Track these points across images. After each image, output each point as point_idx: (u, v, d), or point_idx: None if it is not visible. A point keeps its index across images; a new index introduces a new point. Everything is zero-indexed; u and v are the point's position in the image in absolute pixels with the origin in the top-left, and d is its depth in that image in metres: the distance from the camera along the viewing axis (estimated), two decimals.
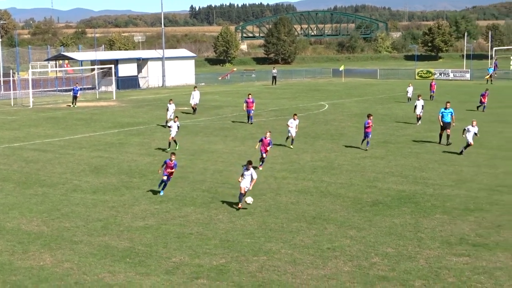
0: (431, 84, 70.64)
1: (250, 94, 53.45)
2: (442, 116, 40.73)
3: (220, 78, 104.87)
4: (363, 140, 39.63)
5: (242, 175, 26.48)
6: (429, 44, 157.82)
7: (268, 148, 33.79)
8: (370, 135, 39.32)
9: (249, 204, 25.80)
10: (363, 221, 24.68)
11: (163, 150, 39.47)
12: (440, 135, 41.34)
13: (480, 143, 40.14)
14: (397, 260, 20.35)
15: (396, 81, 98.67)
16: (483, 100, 57.98)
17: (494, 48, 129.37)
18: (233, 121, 53.29)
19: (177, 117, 41.60)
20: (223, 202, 27.50)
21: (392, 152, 38.45)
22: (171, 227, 24.26)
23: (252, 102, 51.61)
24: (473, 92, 76.80)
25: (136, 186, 30.76)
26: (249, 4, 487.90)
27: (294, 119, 40.03)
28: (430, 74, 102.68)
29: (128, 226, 24.36)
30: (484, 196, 28.22)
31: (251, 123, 51.10)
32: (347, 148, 40.14)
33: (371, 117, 39.51)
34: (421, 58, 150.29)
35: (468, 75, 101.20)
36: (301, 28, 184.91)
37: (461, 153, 37.25)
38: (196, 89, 59.55)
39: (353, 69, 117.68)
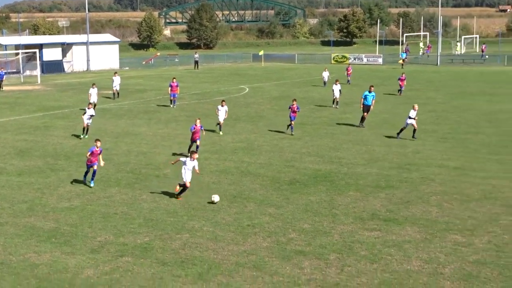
0: (347, 69, 71.11)
1: (174, 78, 53.14)
2: (365, 99, 41.17)
3: (144, 63, 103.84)
4: (288, 125, 38.76)
5: (184, 166, 24.63)
6: (344, 30, 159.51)
7: (201, 135, 32.53)
8: (294, 119, 38.41)
9: (215, 202, 24.00)
10: (281, 199, 24.99)
11: (77, 136, 38.23)
12: (363, 118, 41.45)
13: (391, 124, 40.98)
14: (313, 236, 20.71)
15: (313, 66, 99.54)
16: (401, 84, 58.78)
17: (405, 34, 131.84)
18: (157, 105, 52.96)
19: (90, 104, 39.58)
20: (146, 183, 27.44)
21: (309, 133, 38.91)
22: (96, 207, 24.09)
23: (176, 86, 51.23)
24: (385, 76, 78.30)
25: (61, 168, 30.35)
26: None
27: (222, 105, 39.20)
28: (345, 59, 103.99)
29: (54, 207, 24.08)
30: (394, 174, 28.88)
31: (174, 107, 50.85)
32: (266, 130, 40.43)
33: (295, 101, 38.90)
34: (336, 43, 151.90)
35: (380, 60, 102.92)
36: (223, 14, 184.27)
37: (397, 136, 36.98)
38: (116, 74, 58.38)
39: (273, 54, 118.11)
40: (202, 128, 32.77)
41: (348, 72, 69.91)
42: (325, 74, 67.24)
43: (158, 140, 37.66)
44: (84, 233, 21.17)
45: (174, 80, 51.65)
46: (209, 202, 24.15)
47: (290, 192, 25.91)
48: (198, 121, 32.53)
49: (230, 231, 21.26)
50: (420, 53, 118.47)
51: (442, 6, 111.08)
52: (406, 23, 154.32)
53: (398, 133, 37.04)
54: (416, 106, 37.06)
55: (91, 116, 37.97)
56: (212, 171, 29.76)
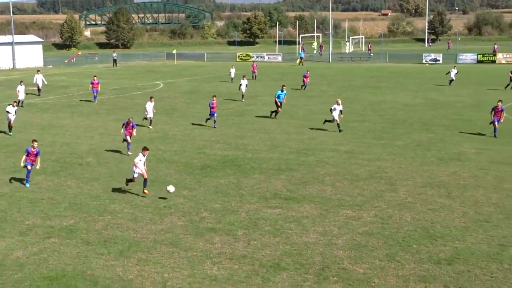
0: (253, 66, 71.16)
1: (95, 76, 52.10)
2: (278, 97, 40.96)
3: (66, 61, 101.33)
4: (208, 119, 37.99)
5: (139, 161, 22.87)
6: (248, 32, 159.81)
7: (133, 132, 30.16)
8: (216, 114, 37.57)
9: (170, 192, 22.56)
10: (194, 182, 24.93)
11: (5, 133, 36.50)
12: (276, 112, 41.06)
13: (289, 114, 41.45)
14: (222, 214, 20.76)
15: (220, 63, 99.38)
16: (305, 80, 58.99)
17: (301, 35, 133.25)
18: (80, 100, 51.83)
19: (15, 102, 37.41)
20: (70, 170, 26.85)
21: (218, 123, 38.88)
22: (24, 194, 23.44)
23: (98, 83, 50.23)
24: (284, 72, 79.00)
25: None
26: None
27: (150, 101, 37.75)
28: (249, 57, 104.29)
29: None
30: (293, 158, 29.23)
31: (96, 102, 49.84)
32: (179, 121, 40.21)
33: (215, 97, 38.05)
34: (241, 43, 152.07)
35: (280, 58, 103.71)
36: (138, 17, 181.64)
37: (339, 131, 35.93)
38: (39, 72, 56.45)
39: (184, 53, 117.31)
40: (134, 126, 30.23)
41: (254, 69, 70.09)
42: (232, 71, 67.19)
43: (81, 131, 36.90)
44: (13, 217, 20.59)
45: (95, 78, 50.67)
46: (160, 197, 22.65)
47: (202, 176, 25.89)
48: (131, 118, 30.49)
49: (148, 212, 21.08)
50: (314, 52, 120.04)
51: (332, 11, 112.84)
52: (301, 25, 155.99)
53: (325, 121, 36.83)
54: (340, 101, 36.68)
55: (9, 113, 35.56)
56: (131, 158, 29.34)
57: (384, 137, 34.05)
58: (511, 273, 15.80)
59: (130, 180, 23.51)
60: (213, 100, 37.57)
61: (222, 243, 18.14)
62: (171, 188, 22.66)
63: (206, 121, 38.31)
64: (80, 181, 25.22)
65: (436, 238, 18.31)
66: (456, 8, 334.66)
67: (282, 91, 41.42)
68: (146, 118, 37.73)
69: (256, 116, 41.97)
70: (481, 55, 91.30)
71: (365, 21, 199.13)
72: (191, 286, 15.29)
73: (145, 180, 23.04)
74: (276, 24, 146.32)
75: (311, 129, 36.58)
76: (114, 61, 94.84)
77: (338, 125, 35.75)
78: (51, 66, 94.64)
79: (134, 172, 23.12)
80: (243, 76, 51.22)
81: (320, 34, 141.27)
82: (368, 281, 15.45)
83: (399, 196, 22.70)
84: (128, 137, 30.17)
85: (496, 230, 18.99)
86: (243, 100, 49.61)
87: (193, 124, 38.94)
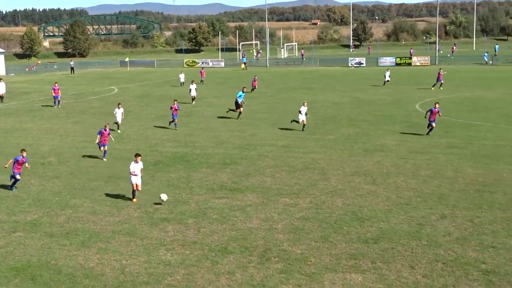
0: (201, 71, 70.24)
1: (56, 82, 50.94)
2: (239, 97, 40.23)
3: (27, 69, 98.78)
4: (171, 122, 36.62)
5: (133, 170, 21.09)
6: (193, 40, 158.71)
7: (109, 138, 28.48)
8: (176, 117, 36.20)
9: (163, 200, 20.57)
10: (147, 177, 24.62)
11: None
12: (238, 112, 40.18)
13: (232, 114, 41.34)
14: (174, 205, 20.60)
15: (169, 69, 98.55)
16: (254, 84, 58.25)
17: (241, 43, 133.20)
18: (41, 105, 50.59)
19: None
20: (34, 170, 26.18)
21: (166, 123, 38.54)
22: None
23: (58, 89, 49.05)
24: (227, 77, 78.84)
25: None
26: (49, 8, 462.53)
27: (118, 108, 36.11)
28: (195, 63, 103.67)
29: None
30: (236, 153, 29.21)
31: (59, 107, 48.63)
32: (133, 122, 39.67)
33: (176, 101, 36.86)
34: (187, 51, 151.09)
35: (222, 64, 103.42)
36: (93, 28, 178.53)
37: (292, 122, 35.45)
38: (1, 80, 54.58)
39: (136, 60, 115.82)
40: (109, 133, 28.52)
41: (202, 74, 69.32)
42: (182, 76, 66.47)
43: (42, 133, 36.06)
44: None
45: (56, 84, 49.53)
46: (156, 203, 20.70)
47: (155, 171, 25.62)
48: (107, 125, 28.70)
49: (106, 206, 20.75)
50: (254, 58, 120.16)
51: (268, 21, 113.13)
52: (241, 34, 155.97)
53: (303, 129, 34.92)
54: (306, 103, 35.72)
55: None
56: (90, 156, 28.88)
57: (317, 132, 34.34)
58: (429, 249, 16.15)
59: (134, 191, 21.23)
60: (174, 104, 36.51)
61: (174, 231, 17.99)
62: (164, 197, 20.60)
63: (169, 124, 36.92)
64: (42, 179, 24.65)
65: (363, 220, 18.57)
66: (376, 18, 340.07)
67: (243, 92, 41.14)
68: (116, 123, 35.95)
69: (202, 116, 41.76)
70: (399, 58, 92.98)
71: (298, 29, 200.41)
72: (147, 271, 15.13)
73: (134, 191, 21.17)
74: (218, 33, 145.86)
75: (250, 125, 36.57)
76: (72, 69, 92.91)
77: (304, 125, 34.81)
78: (13, 74, 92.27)
79: (132, 181, 21.08)
80: (192, 81, 50.77)
81: (258, 42, 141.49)
82: (305, 260, 15.57)
83: (331, 184, 22.93)
84: (105, 145, 28.07)
85: (415, 211, 19.39)
86: (193, 103, 48.97)
87: (146, 124, 38.47)
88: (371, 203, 20.42)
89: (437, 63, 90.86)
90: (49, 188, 23.26)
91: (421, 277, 14.41)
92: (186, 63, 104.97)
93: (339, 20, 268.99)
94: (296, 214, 19.39)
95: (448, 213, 19.05)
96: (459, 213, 19.09)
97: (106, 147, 28.25)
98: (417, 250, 16.09)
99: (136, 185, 21.16)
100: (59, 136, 35.10)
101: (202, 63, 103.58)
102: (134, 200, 21.16)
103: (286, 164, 26.54)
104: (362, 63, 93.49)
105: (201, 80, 67.83)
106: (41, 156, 29.14)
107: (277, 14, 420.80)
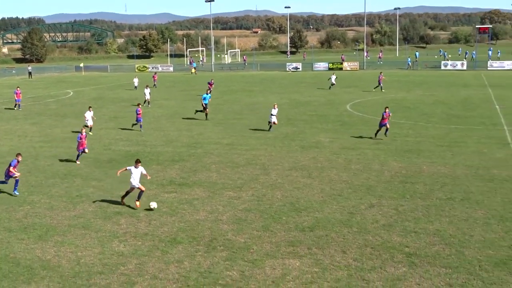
0: (153, 76, 69.06)
1: (18, 87, 49.41)
2: (204, 99, 39.56)
3: None
4: (134, 124, 35.37)
5: (130, 173, 19.28)
6: (144, 47, 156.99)
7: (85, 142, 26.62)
8: (142, 120, 34.95)
9: (152, 209, 18.90)
10: (101, 174, 24.16)
11: None
12: (205, 114, 39.29)
13: (180, 114, 41.01)
14: (127, 200, 20.21)
15: (122, 74, 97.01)
16: (209, 86, 57.30)
17: (188, 50, 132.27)
18: (2, 108, 48.97)
19: None
20: None
21: (121, 124, 37.97)
22: None
23: (20, 93, 47.42)
24: (176, 81, 78.15)
25: None
26: (7, 17, 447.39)
27: (89, 111, 34.58)
28: (146, 68, 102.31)
29: None
30: (184, 151, 28.94)
31: (20, 109, 47.01)
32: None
33: (140, 105, 35.65)
34: (139, 57, 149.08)
35: (171, 68, 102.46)
36: (50, 35, 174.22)
37: (269, 130, 34.02)
38: None
39: (90, 65, 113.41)
40: (85, 137, 26.78)
41: (155, 78, 68.18)
42: (136, 80, 65.22)
43: (1, 134, 34.85)
44: None
45: (18, 88, 48.03)
46: (147, 209, 19.00)
47: (108, 169, 25.09)
48: (83, 129, 27.07)
49: (62, 201, 20.21)
50: (200, 62, 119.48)
51: (213, 29, 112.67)
52: (189, 41, 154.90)
53: (269, 129, 34.21)
54: (276, 105, 34.75)
55: None
56: (47, 156, 28.09)
57: (258, 131, 34.38)
58: (359, 235, 16.39)
59: (127, 192, 19.53)
60: (138, 107, 35.17)
61: (127, 224, 17.67)
62: (153, 204, 18.92)
63: (132, 126, 35.69)
64: (1, 178, 23.75)
65: (300, 211, 18.69)
66: (311, 27, 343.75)
67: (207, 94, 40.53)
68: (86, 126, 34.00)
69: (153, 117, 41.20)
70: (332, 64, 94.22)
71: (240, 37, 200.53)
72: (101, 261, 14.79)
73: (141, 192, 19.24)
74: (167, 40, 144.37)
75: (198, 125, 36.30)
76: (30, 73, 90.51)
77: (273, 125, 34.10)
78: None
79: (132, 184, 19.21)
80: (147, 86, 49.87)
81: (204, 49, 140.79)
82: (248, 248, 15.54)
83: (271, 178, 22.99)
84: (86, 149, 26.50)
85: (346, 201, 19.64)
86: (149, 106, 47.58)
87: (100, 126, 37.65)
88: (307, 194, 20.57)
89: (365, 67, 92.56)
90: (8, 186, 22.44)
91: (352, 260, 14.61)
92: (137, 68, 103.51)
93: (278, 29, 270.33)
94: (239, 206, 19.34)
95: (376, 203, 19.39)
96: (385, 202, 19.45)
97: (87, 150, 26.56)
98: (348, 236, 16.30)
99: (133, 188, 19.20)
100: (18, 136, 34.00)
101: (153, 68, 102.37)
102: (138, 203, 19.17)
103: (230, 160, 26.47)
104: (299, 68, 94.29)
105: (154, 84, 66.97)
106: (0, 156, 28.14)
107: (221, 23, 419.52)
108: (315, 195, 20.52)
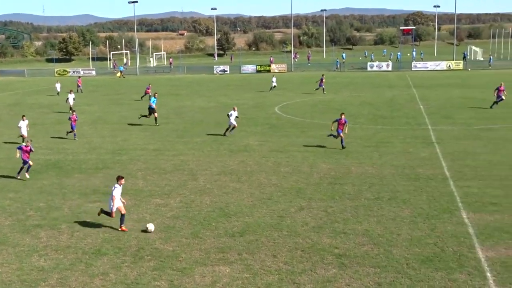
0: (78, 81, 66.41)
1: None
2: (153, 102, 38.59)
3: None
4: (69, 132, 33.89)
5: (117, 194, 17.56)
6: (64, 50, 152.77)
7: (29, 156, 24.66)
8: (75, 128, 33.49)
9: (150, 231, 17.21)
10: (19, 185, 23.27)
11: None
12: (154, 118, 38.42)
13: (104, 120, 40.18)
14: (47, 211, 19.59)
15: (40, 78, 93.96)
16: (147, 91, 55.42)
17: (111, 53, 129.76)
18: None
19: None
20: None
21: (40, 131, 36.73)
22: None
23: None
24: (99, 85, 76.53)
25: None
26: None
27: (23, 120, 32.19)
28: (66, 72, 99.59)
29: None
30: (109, 158, 28.35)
31: None
32: (4, 131, 37.26)
33: (75, 112, 34.36)
34: (58, 60, 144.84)
35: (94, 72, 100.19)
36: None
37: (224, 134, 33.66)
38: None
39: (5, 70, 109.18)
40: (33, 150, 24.88)
41: (79, 83, 65.94)
42: (58, 85, 62.47)
43: None
44: None
45: None
46: (143, 230, 17.39)
47: (27, 179, 24.20)
48: (29, 142, 25.28)
49: None
50: (123, 65, 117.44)
51: (137, 31, 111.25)
52: (112, 44, 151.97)
53: (224, 133, 33.84)
54: (236, 108, 34.47)
55: None
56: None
57: (185, 136, 34.19)
58: (289, 238, 16.57)
59: (107, 214, 17.87)
60: (72, 115, 33.97)
61: (47, 237, 17.09)
62: (151, 226, 17.35)
63: (67, 134, 34.32)
64: None
65: (230, 216, 18.71)
66: (238, 29, 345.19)
67: (155, 97, 39.64)
68: (21, 136, 32.11)
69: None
70: (259, 66, 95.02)
71: (166, 40, 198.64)
72: (19, 278, 14.23)
73: (122, 215, 17.54)
74: (89, 43, 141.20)
75: (122, 130, 35.67)
76: None
77: (234, 128, 33.92)
78: None
79: (111, 206, 17.53)
80: (70, 91, 48.30)
81: (128, 52, 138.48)
82: (177, 256, 15.39)
83: (200, 184, 22.89)
84: (29, 162, 24.45)
85: (276, 205, 19.82)
86: (70, 112, 45.81)
87: (17, 133, 36.21)
88: (236, 199, 20.61)
89: (293, 69, 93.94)
90: None
91: (283, 264, 14.75)
92: (57, 72, 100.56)
93: (204, 31, 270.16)
94: (167, 213, 19.13)
95: (305, 205, 19.67)
96: (314, 204, 19.77)
97: (30, 162, 24.55)
98: (278, 240, 16.45)
99: (120, 208, 17.59)
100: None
101: (74, 72, 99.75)
102: (123, 227, 17.52)
103: (157, 166, 26.15)
104: (226, 71, 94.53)
105: (78, 89, 64.99)
106: None
107: (146, 25, 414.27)
108: (245, 199, 20.59)
